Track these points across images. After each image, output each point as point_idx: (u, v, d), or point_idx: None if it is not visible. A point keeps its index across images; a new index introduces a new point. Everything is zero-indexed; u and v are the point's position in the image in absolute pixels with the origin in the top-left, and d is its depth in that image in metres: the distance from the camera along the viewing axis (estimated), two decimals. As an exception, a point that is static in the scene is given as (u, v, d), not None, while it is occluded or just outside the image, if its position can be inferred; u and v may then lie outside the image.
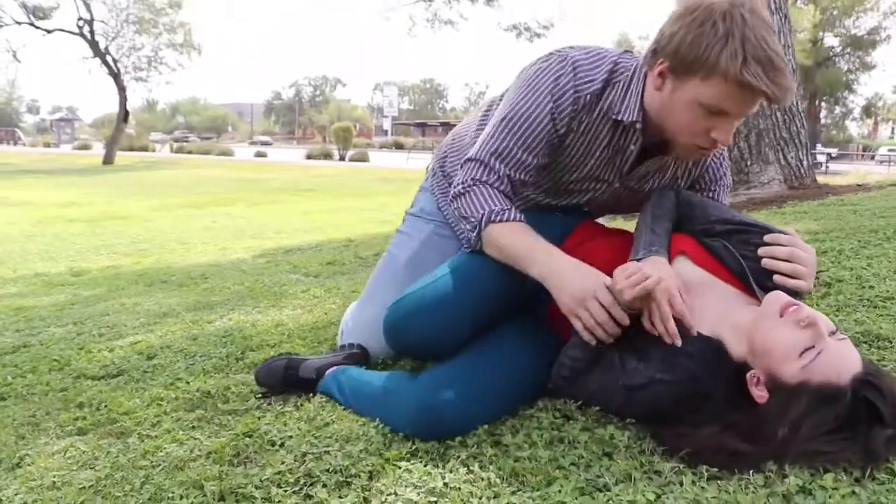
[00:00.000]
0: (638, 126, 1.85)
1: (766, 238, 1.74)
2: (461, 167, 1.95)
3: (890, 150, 53.31)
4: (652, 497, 1.30)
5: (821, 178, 10.41)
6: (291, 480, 1.51)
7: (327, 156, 39.79)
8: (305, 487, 1.48)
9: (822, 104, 49.73)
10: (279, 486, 1.49)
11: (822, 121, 51.13)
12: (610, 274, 1.68)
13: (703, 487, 1.33)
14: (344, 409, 1.87)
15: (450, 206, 1.98)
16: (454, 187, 1.93)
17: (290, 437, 1.73)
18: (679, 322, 1.62)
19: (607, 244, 1.96)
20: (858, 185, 6.14)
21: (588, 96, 1.85)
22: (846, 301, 2.42)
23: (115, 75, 34.03)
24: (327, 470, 1.53)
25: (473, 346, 1.78)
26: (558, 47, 1.95)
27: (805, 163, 6.04)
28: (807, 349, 1.46)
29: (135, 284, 4.79)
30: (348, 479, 1.49)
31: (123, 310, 3.71)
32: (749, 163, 5.91)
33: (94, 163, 32.67)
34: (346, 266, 4.68)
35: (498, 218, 1.82)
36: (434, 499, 1.37)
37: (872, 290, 2.51)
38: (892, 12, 37.25)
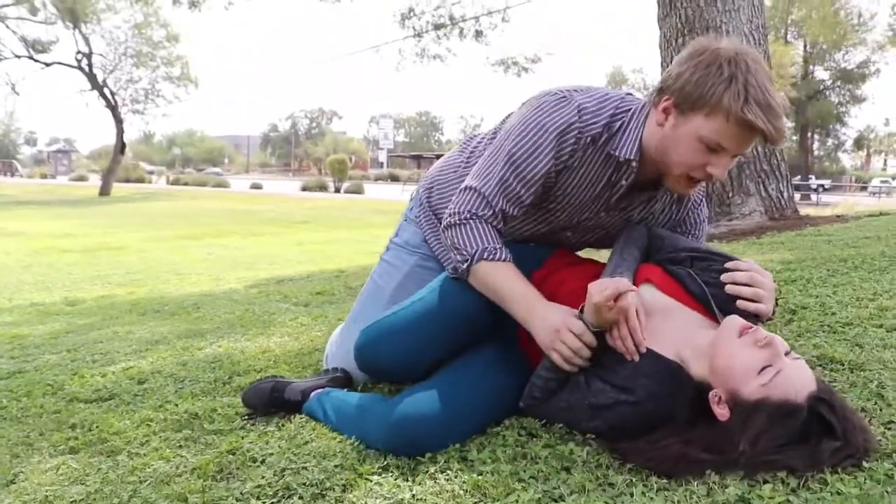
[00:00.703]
0: (634, 164, 1.95)
1: (727, 265, 1.86)
2: (458, 193, 2.03)
3: (882, 182, 53.73)
4: (602, 507, 1.40)
5: (809, 210, 10.61)
6: (270, 493, 1.61)
7: (322, 188, 40.03)
8: (283, 499, 1.58)
9: (815, 136, 50.19)
10: (258, 498, 1.59)
11: (816, 152, 51.59)
12: (581, 298, 1.80)
13: (651, 498, 1.43)
14: (324, 428, 1.97)
15: (442, 234, 2.07)
16: (448, 216, 2.02)
17: (271, 454, 1.83)
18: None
19: (577, 272, 2.07)
20: (838, 216, 6.27)
21: (589, 137, 1.95)
22: (808, 327, 2.53)
23: (113, 108, 34.29)
24: (304, 483, 1.63)
25: (447, 368, 1.89)
26: (562, 87, 2.03)
27: (786, 194, 6.18)
28: (765, 367, 1.57)
29: (128, 313, 4.88)
30: (323, 492, 1.59)
31: (116, 337, 3.80)
32: (731, 194, 6.05)
33: (90, 194, 32.83)
34: (334, 296, 4.78)
35: (490, 256, 1.92)
36: (402, 509, 1.48)
37: (834, 316, 2.62)
38: (879, 46, 37.68)
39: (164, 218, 19.99)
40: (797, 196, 37.12)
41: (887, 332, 2.40)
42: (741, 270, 1.82)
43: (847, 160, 64.74)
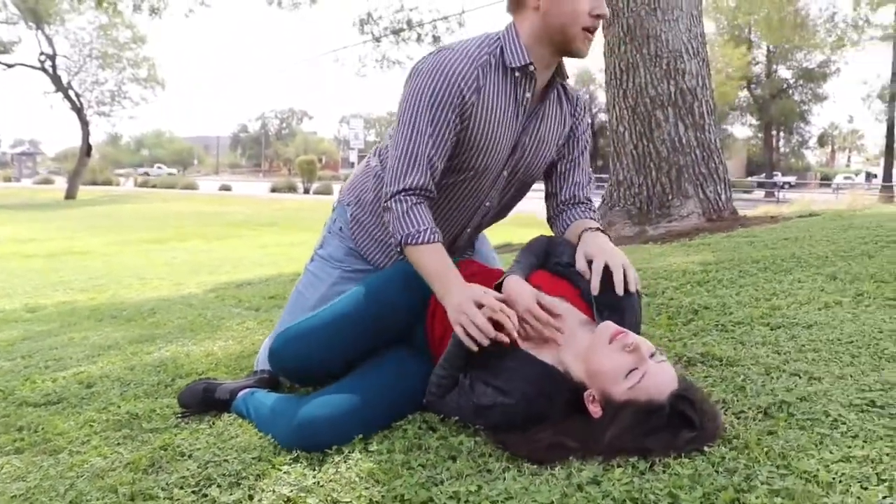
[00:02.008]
0: (532, 67, 2.19)
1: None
2: (386, 173, 2.22)
3: (846, 178, 54.69)
4: (474, 488, 1.61)
5: (769, 208, 10.93)
6: (192, 483, 1.81)
7: (292, 189, 40.09)
8: (204, 489, 1.78)
9: (781, 134, 51.04)
10: (181, 488, 1.79)
11: (782, 150, 52.48)
12: None
13: (519, 481, 1.65)
14: (250, 425, 2.16)
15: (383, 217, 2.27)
16: (382, 198, 2.22)
17: (199, 448, 2.02)
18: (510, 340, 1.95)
19: (479, 280, 2.30)
20: (772, 216, 6.54)
21: (482, 67, 2.16)
22: (703, 326, 2.76)
23: (78, 110, 34.14)
24: (223, 474, 1.83)
25: (353, 372, 2.10)
26: (433, 51, 2.25)
27: (723, 196, 6.45)
28: (632, 370, 1.80)
29: (87, 319, 5.03)
30: (239, 481, 1.79)
31: (71, 343, 3.96)
32: (670, 197, 6.31)
33: (56, 197, 32.67)
34: (286, 299, 4.93)
35: (413, 241, 2.12)
36: (304, 494, 1.68)
37: (730, 315, 2.85)
38: (838, 47, 38.47)
39: (130, 221, 20.03)
40: (762, 193, 37.95)
41: (771, 329, 2.64)
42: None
43: (812, 157, 65.86)
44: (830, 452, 1.62)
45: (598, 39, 6.95)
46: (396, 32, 15.71)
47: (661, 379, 1.79)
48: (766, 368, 2.23)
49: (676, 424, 1.74)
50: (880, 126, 40.66)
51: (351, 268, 2.54)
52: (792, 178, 53.20)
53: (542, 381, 1.93)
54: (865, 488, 1.47)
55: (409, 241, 2.13)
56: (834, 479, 1.51)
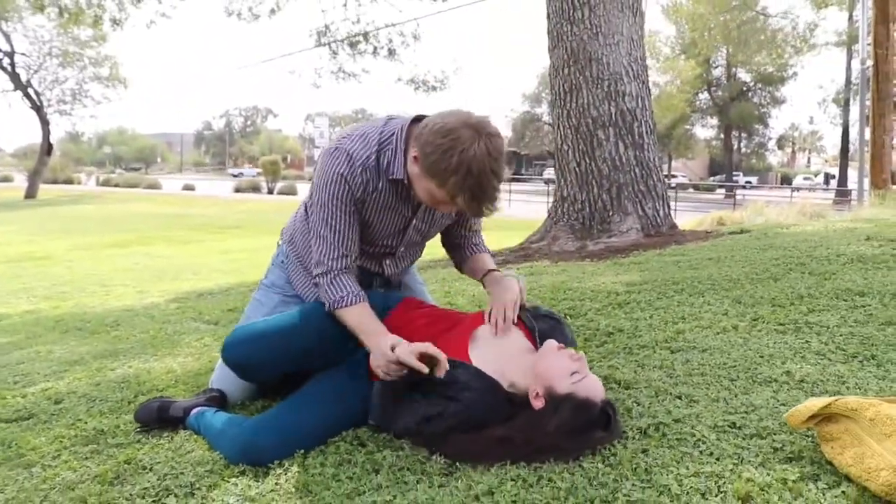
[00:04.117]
0: (405, 182, 2.49)
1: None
2: (313, 253, 2.58)
3: (805, 178, 55.86)
4: (389, 498, 1.93)
5: (718, 214, 11.38)
6: (153, 493, 2.10)
7: (256, 188, 40.12)
8: (162, 498, 2.08)
9: (742, 135, 52.15)
10: (143, 498, 2.08)
11: (743, 150, 53.65)
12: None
13: (427, 492, 1.96)
14: (203, 440, 2.46)
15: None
16: (312, 276, 2.60)
17: (159, 462, 2.32)
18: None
19: (422, 314, 2.64)
20: (707, 232, 6.93)
21: (369, 170, 2.48)
22: (612, 349, 3.10)
23: (38, 108, 33.88)
24: (180, 486, 2.13)
25: (294, 393, 2.42)
26: (332, 140, 2.59)
27: (661, 212, 6.84)
28: (574, 373, 2.20)
29: (52, 331, 5.26)
30: (193, 492, 2.09)
31: (38, 357, 4.20)
32: (610, 213, 6.69)
33: (15, 196, 32.41)
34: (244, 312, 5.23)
35: (339, 305, 2.48)
36: (248, 503, 1.99)
37: (639, 339, 3.19)
38: (796, 52, 39.75)
39: (92, 224, 20.05)
40: (722, 194, 38.84)
41: (671, 353, 2.98)
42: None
43: (774, 157, 67.25)
44: (686, 468, 1.95)
45: (545, 61, 7.33)
46: (353, 45, 15.99)
47: (596, 386, 2.23)
48: (657, 391, 2.56)
49: (597, 425, 2.14)
50: (838, 129, 41.91)
51: (291, 293, 2.88)
52: (753, 179, 54.39)
53: (488, 393, 2.28)
54: (706, 499, 1.81)
55: (336, 305, 2.48)
56: (681, 491, 1.84)
